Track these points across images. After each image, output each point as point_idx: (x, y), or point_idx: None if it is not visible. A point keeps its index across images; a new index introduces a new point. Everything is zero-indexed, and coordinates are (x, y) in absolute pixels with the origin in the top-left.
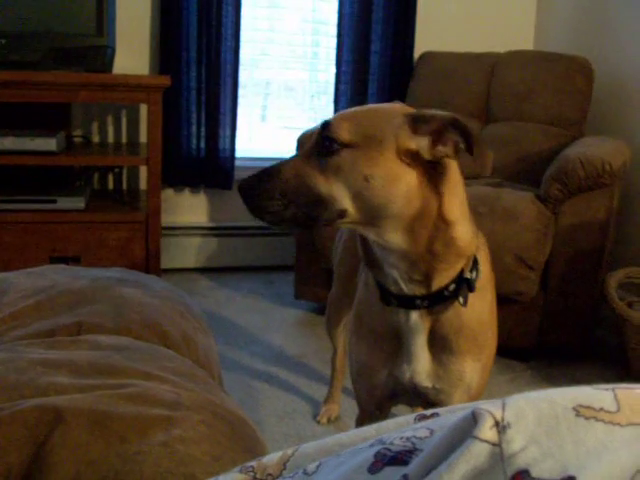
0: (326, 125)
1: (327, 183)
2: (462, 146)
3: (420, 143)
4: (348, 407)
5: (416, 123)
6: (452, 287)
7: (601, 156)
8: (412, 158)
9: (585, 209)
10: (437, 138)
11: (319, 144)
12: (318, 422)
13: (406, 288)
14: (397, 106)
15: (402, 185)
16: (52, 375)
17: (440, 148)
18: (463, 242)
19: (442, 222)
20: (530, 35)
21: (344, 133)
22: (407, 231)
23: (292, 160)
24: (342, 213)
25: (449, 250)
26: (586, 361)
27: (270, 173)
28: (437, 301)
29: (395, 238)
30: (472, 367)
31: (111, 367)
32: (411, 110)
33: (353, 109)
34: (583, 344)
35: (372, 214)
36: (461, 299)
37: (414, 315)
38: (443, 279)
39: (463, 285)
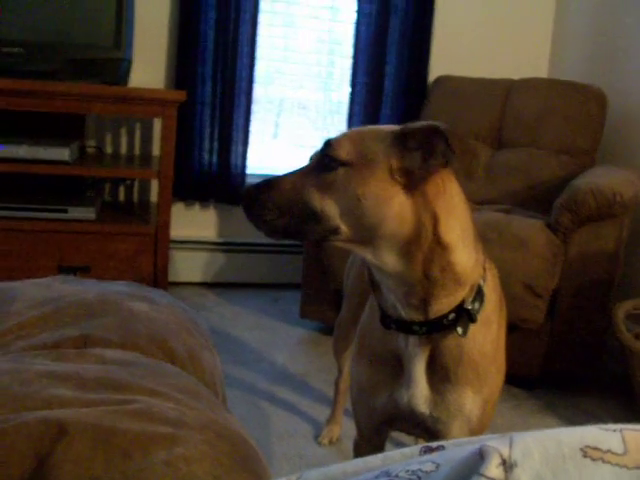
0: (328, 143)
1: (322, 199)
2: (448, 152)
3: (411, 160)
4: (350, 429)
5: (404, 140)
6: (452, 316)
7: (612, 186)
8: (406, 177)
9: (595, 239)
10: (427, 151)
11: (320, 161)
12: (319, 443)
13: (404, 313)
14: (389, 126)
15: (394, 205)
16: (57, 388)
17: (432, 161)
18: (462, 268)
19: (438, 245)
20: (545, 63)
21: (342, 152)
22: (402, 253)
23: (293, 174)
24: (335, 230)
25: (446, 275)
26: (591, 391)
27: (270, 184)
28: (435, 329)
29: (390, 260)
30: (472, 400)
31: (116, 382)
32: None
33: (355, 129)
34: (588, 374)
35: (365, 233)
36: (460, 329)
37: (413, 341)
38: (442, 306)
39: (463, 315)
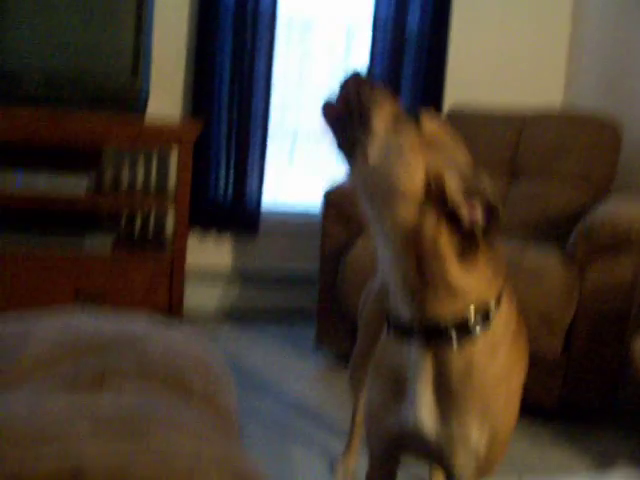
0: (423, 115)
1: (382, 123)
2: (479, 226)
3: (451, 182)
4: (365, 463)
5: (468, 171)
6: (451, 326)
7: (629, 216)
8: (433, 184)
9: (611, 270)
10: (468, 195)
11: (409, 111)
12: (334, 476)
13: (401, 307)
14: (467, 157)
15: (404, 179)
16: (73, 425)
17: (459, 204)
18: (458, 282)
19: (434, 251)
20: (560, 89)
21: (426, 121)
22: (399, 235)
23: (393, 97)
24: (363, 148)
25: (438, 282)
26: (608, 424)
27: (375, 90)
28: (433, 334)
29: (388, 232)
30: (479, 432)
31: (133, 418)
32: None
33: (452, 130)
34: (605, 407)
35: (372, 186)
36: (454, 339)
37: (415, 354)
38: (437, 311)
39: (461, 329)
